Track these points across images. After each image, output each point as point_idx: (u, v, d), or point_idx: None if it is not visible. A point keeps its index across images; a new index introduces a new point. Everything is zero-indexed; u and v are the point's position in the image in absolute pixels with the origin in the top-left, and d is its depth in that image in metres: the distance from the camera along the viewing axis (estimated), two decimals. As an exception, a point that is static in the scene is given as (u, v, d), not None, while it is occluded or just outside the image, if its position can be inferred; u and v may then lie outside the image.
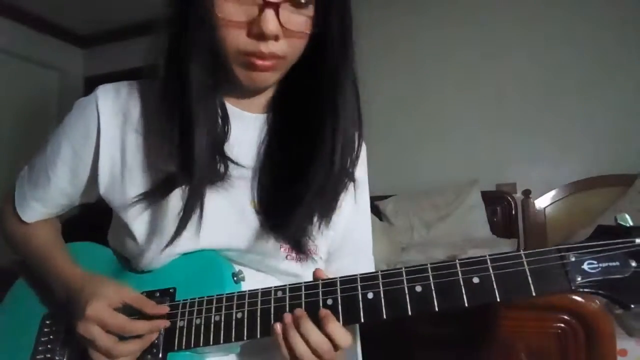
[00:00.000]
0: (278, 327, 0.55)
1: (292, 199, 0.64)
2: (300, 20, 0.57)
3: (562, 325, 0.99)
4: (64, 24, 3.77)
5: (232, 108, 0.67)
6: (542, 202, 2.74)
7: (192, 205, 0.61)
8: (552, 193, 2.72)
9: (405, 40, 2.97)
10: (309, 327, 0.54)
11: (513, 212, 2.76)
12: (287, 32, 0.56)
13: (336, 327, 0.54)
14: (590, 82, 2.65)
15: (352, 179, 0.69)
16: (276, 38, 0.56)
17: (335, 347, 0.54)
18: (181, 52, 0.58)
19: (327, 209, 0.66)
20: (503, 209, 2.79)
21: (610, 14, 2.64)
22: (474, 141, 2.87)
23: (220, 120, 0.64)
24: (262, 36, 0.55)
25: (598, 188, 2.58)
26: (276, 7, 0.54)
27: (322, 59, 0.61)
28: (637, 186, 2.41)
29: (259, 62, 0.57)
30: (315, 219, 0.65)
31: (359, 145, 0.67)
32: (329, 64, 0.61)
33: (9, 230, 0.77)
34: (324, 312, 0.54)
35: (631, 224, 0.49)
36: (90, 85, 4.00)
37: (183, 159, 0.60)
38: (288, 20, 0.56)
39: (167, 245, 0.63)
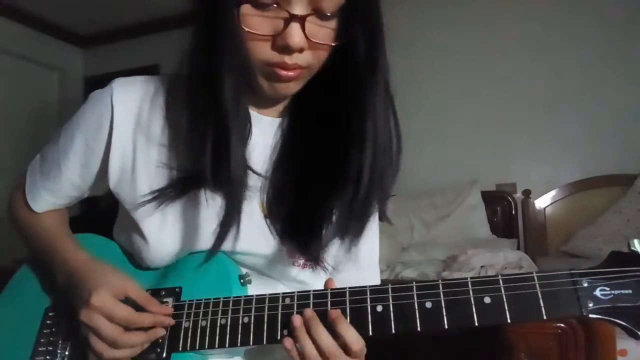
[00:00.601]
0: (288, 343, 0.54)
1: (302, 205, 0.63)
2: (324, 33, 0.57)
3: (562, 325, 0.99)
4: (64, 24, 3.77)
5: (252, 112, 0.67)
6: (542, 202, 2.74)
7: (233, 215, 0.60)
8: (552, 193, 2.72)
9: (406, 41, 2.97)
10: (320, 330, 0.53)
11: (513, 212, 2.77)
12: (312, 44, 0.56)
13: (348, 329, 0.53)
14: (591, 82, 2.66)
15: (386, 196, 0.67)
16: (301, 50, 0.56)
17: (347, 350, 0.53)
18: (210, 64, 0.57)
19: (356, 228, 0.65)
20: (503, 209, 2.79)
21: (611, 14, 2.64)
22: (474, 141, 2.87)
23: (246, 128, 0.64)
24: (287, 49, 0.55)
25: (598, 188, 2.59)
26: (302, 21, 0.54)
27: (349, 70, 0.60)
28: (637, 186, 2.41)
29: (283, 73, 0.57)
30: (326, 227, 0.65)
31: (397, 161, 0.65)
32: (356, 75, 0.60)
33: (18, 219, 0.77)
34: (334, 313, 0.54)
35: None
36: (90, 85, 3.96)
37: (214, 166, 0.59)
38: (313, 33, 0.56)
39: (208, 257, 0.62)
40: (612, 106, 2.62)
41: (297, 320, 0.55)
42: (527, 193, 2.75)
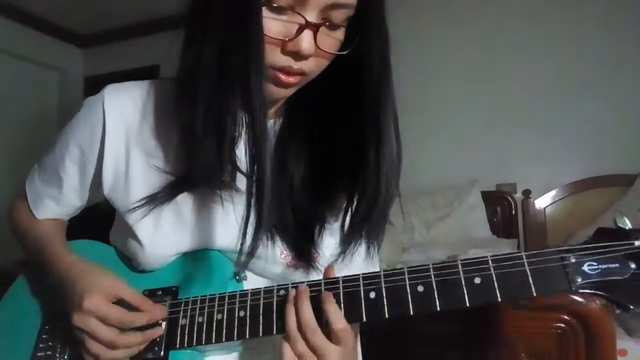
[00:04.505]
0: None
1: (295, 207, 0.64)
2: (331, 42, 0.59)
3: (562, 325, 0.99)
4: (64, 24, 3.77)
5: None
6: (542, 202, 2.74)
7: (263, 215, 0.58)
8: (552, 193, 2.72)
9: (406, 40, 2.97)
10: (305, 303, 0.55)
11: (513, 212, 2.76)
12: (318, 52, 0.57)
13: (334, 308, 0.54)
14: (591, 82, 2.66)
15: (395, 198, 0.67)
16: (308, 57, 0.57)
17: (329, 328, 0.54)
18: (232, 63, 0.55)
19: (375, 232, 0.66)
20: (503, 209, 2.79)
21: (612, 13, 2.64)
22: (474, 141, 2.87)
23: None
24: (297, 54, 0.56)
25: (598, 188, 2.59)
26: (316, 28, 0.55)
27: (355, 78, 0.61)
28: (637, 186, 2.41)
29: (284, 78, 0.58)
30: (319, 229, 0.66)
31: (399, 165, 0.66)
32: (371, 83, 0.61)
33: (19, 228, 0.77)
34: (326, 293, 0.55)
35: (630, 226, 0.49)
36: (90, 85, 3.95)
37: (233, 167, 0.59)
38: (321, 42, 0.56)
39: (247, 261, 0.59)
40: (612, 106, 2.62)
41: (291, 293, 0.57)
42: (527, 193, 2.75)
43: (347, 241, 0.64)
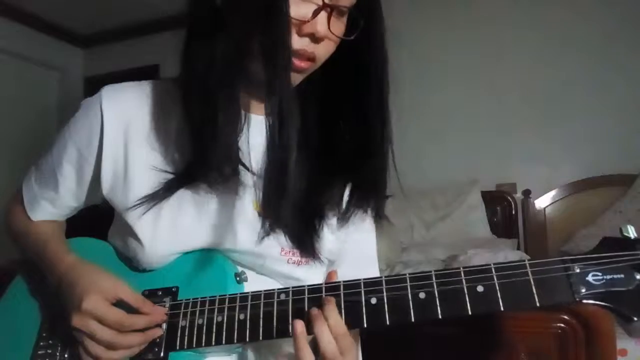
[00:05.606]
0: (299, 326, 0.54)
1: (296, 201, 0.64)
2: (339, 27, 0.60)
3: (562, 325, 0.99)
4: (64, 24, 3.77)
5: (243, 112, 0.67)
6: (542, 202, 2.74)
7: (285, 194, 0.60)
8: (552, 193, 2.72)
9: (407, 40, 2.97)
10: (324, 327, 0.54)
11: (513, 212, 2.76)
12: (328, 35, 0.59)
13: (333, 313, 0.54)
14: (591, 82, 2.65)
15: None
16: (321, 40, 0.58)
17: (332, 332, 0.54)
18: (240, 53, 0.57)
19: (380, 208, 0.70)
20: (503, 209, 2.79)
21: (611, 13, 2.63)
22: (474, 141, 2.87)
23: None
24: (312, 36, 0.57)
25: (598, 188, 2.58)
26: (331, 11, 0.57)
27: (365, 64, 0.63)
28: (637, 186, 2.41)
29: (296, 63, 0.58)
30: (318, 221, 0.66)
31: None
32: (376, 68, 0.63)
33: (15, 231, 0.77)
34: (328, 299, 0.55)
35: (635, 235, 0.49)
36: (90, 85, 3.94)
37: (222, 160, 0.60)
38: (332, 26, 0.58)
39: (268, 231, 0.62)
40: (612, 106, 2.61)
41: (314, 309, 0.55)
42: (527, 193, 2.75)
43: (346, 218, 0.68)
